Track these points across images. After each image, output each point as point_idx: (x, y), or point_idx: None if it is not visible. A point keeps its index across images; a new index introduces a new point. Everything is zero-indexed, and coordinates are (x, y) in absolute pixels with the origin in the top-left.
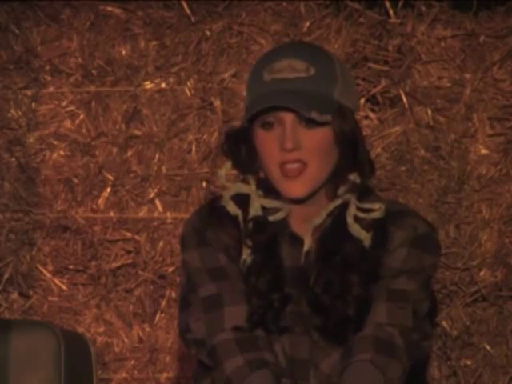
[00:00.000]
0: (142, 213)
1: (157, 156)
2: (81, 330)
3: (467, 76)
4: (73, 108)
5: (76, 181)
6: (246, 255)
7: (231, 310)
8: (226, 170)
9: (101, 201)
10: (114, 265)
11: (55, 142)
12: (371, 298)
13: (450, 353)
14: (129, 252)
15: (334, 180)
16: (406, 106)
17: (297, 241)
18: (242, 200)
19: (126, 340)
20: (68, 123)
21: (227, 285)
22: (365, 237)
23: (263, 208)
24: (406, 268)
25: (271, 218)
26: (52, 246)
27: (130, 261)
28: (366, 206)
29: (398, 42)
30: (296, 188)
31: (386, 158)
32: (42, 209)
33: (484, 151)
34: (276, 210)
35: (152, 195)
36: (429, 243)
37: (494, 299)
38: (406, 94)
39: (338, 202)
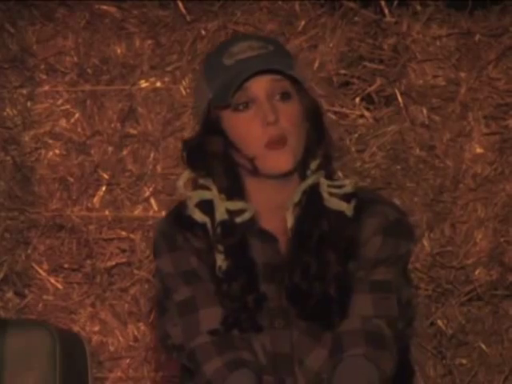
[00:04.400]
0: (137, 211)
1: (152, 155)
2: (76, 328)
3: (462, 75)
4: (68, 107)
5: (71, 180)
6: (221, 261)
7: (206, 312)
8: (183, 179)
9: (96, 199)
10: (109, 264)
11: (50, 141)
12: (349, 275)
13: (445, 352)
14: (124, 251)
15: (304, 158)
16: (402, 104)
17: (268, 237)
18: (207, 206)
19: (121, 339)
20: (63, 122)
21: (200, 287)
22: (346, 207)
23: (228, 211)
24: (382, 257)
25: (238, 220)
26: (47, 244)
27: (125, 259)
28: (337, 183)
29: (394, 40)
30: (280, 160)
31: (382, 156)
32: (37, 208)
33: (479, 150)
34: (242, 212)
35: (147, 194)
36: (402, 230)
37: (489, 298)
38: (402, 93)
39: (310, 180)
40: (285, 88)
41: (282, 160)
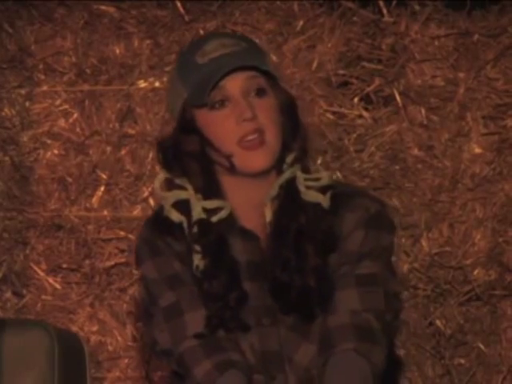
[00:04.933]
0: (136, 212)
1: (150, 155)
2: (74, 328)
3: (461, 75)
4: (66, 107)
5: (70, 180)
6: (198, 260)
7: (192, 316)
8: (159, 181)
9: (94, 200)
10: (108, 264)
11: (49, 141)
12: (329, 267)
13: (443, 352)
14: (122, 251)
15: (281, 152)
16: (400, 104)
17: (249, 235)
18: (184, 206)
19: (119, 339)
20: (62, 122)
21: (184, 291)
22: (322, 199)
23: (205, 210)
24: (366, 250)
25: (214, 219)
26: (46, 244)
27: (123, 260)
28: (313, 176)
29: (392, 40)
30: (258, 159)
31: (380, 156)
32: (35, 208)
33: (478, 150)
34: (219, 210)
35: (146, 194)
36: (383, 222)
37: (487, 298)
38: (400, 93)
39: (287, 174)
40: (260, 84)
41: (257, 159)
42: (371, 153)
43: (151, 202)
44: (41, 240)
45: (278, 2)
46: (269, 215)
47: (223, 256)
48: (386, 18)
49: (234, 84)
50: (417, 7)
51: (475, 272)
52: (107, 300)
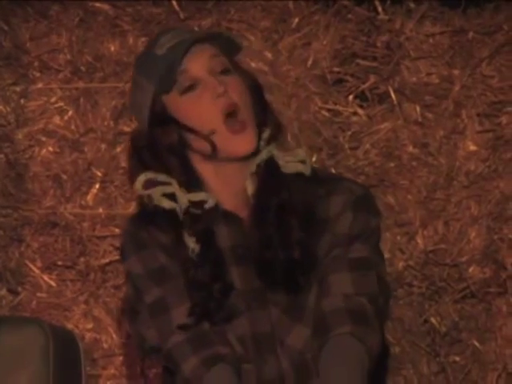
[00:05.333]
0: (131, 209)
1: None
2: (69, 326)
3: (456, 72)
4: (62, 104)
5: (65, 177)
6: (193, 244)
7: (177, 311)
8: (140, 182)
9: (89, 197)
10: (103, 261)
11: (44, 139)
12: (312, 242)
13: (438, 349)
14: (117, 248)
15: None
16: (395, 102)
17: (232, 218)
18: (171, 198)
19: (114, 336)
20: (57, 119)
21: (170, 286)
22: (303, 168)
23: (191, 203)
24: (355, 232)
25: (206, 207)
26: (41, 242)
27: (118, 257)
28: (289, 153)
29: (387, 38)
30: (244, 143)
31: (375, 154)
32: (30, 205)
33: (473, 147)
34: (204, 202)
35: None
36: (370, 204)
37: (482, 296)
38: (395, 91)
39: (265, 153)
40: (224, 63)
41: (247, 141)
42: (366, 150)
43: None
44: (36, 237)
45: (274, 0)
46: (250, 189)
47: (209, 246)
48: (381, 16)
49: (199, 64)
50: (412, 5)
51: (470, 269)
52: (102, 297)
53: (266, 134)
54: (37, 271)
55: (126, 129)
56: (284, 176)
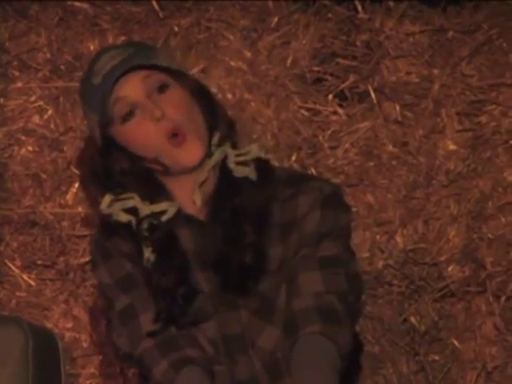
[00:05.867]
0: None
1: None
2: (49, 325)
3: (435, 71)
4: (41, 103)
5: (44, 176)
6: (148, 253)
7: (146, 317)
8: (106, 203)
9: (69, 196)
10: (83, 260)
11: (23, 138)
12: (265, 244)
13: (418, 348)
14: None
15: (209, 137)
16: (375, 101)
17: (193, 221)
18: (131, 210)
19: (94, 335)
20: (36, 118)
21: (137, 293)
22: (249, 171)
23: (152, 213)
24: (324, 230)
25: (164, 218)
26: (20, 241)
27: None
28: (243, 150)
29: (367, 37)
30: (189, 154)
31: (355, 153)
32: (10, 204)
33: (452, 147)
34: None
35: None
36: (339, 202)
37: (462, 295)
38: (375, 90)
39: (217, 156)
40: (159, 80)
41: (190, 153)
42: (346, 149)
43: None
44: (15, 236)
45: None
46: (198, 200)
47: (171, 252)
48: (361, 15)
49: (133, 88)
50: (391, 4)
51: (450, 268)
52: (82, 297)
53: (215, 138)
54: (16, 270)
55: None
56: (236, 180)
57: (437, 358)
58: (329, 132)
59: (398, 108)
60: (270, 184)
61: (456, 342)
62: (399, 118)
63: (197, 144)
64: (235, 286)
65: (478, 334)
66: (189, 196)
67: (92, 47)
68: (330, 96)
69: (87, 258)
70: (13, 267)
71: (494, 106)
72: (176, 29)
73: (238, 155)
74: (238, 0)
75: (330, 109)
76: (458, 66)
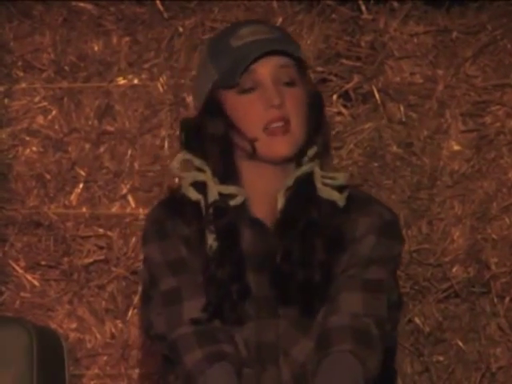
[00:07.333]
0: (115, 209)
1: (129, 152)
2: (53, 326)
3: (440, 72)
4: (45, 104)
5: (48, 177)
6: (212, 240)
7: (190, 304)
8: (177, 161)
9: (73, 197)
10: (87, 261)
11: (27, 138)
12: (334, 265)
13: (422, 349)
14: (101, 248)
15: (303, 145)
16: (379, 102)
17: (257, 225)
18: (200, 187)
19: (98, 336)
20: (40, 119)
21: (187, 278)
22: (338, 197)
23: (221, 195)
24: (375, 256)
25: (232, 202)
26: (24, 242)
27: (102, 257)
28: (330, 174)
29: (371, 38)
30: (281, 147)
31: (359, 154)
32: (14, 205)
33: (456, 147)
34: (233, 196)
35: (124, 191)
36: (395, 231)
37: (466, 295)
38: (379, 90)
39: (306, 168)
40: (290, 75)
41: (283, 146)
42: (350, 150)
43: (130, 199)
44: (19, 237)
45: (257, 0)
46: (281, 202)
47: (232, 245)
48: (365, 16)
49: (266, 70)
50: (396, 4)
51: (454, 269)
52: (86, 297)
53: (312, 151)
54: (20, 271)
55: (110, 128)
56: (318, 198)
57: (441, 358)
58: (333, 132)
59: (402, 109)
60: (347, 210)
61: (460, 343)
62: (403, 119)
63: (291, 143)
64: (300, 303)
65: (483, 334)
66: (260, 192)
67: (96, 48)
68: (335, 96)
69: (91, 259)
70: (17, 268)
71: (498, 107)
72: (180, 29)
73: (323, 177)
74: (243, 0)
75: (335, 109)
76: (462, 67)
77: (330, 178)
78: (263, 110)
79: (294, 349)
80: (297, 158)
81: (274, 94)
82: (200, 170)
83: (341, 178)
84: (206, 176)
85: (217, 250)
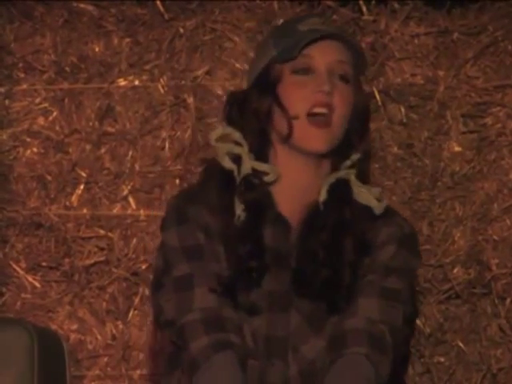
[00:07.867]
0: (116, 210)
1: (130, 153)
2: (54, 327)
3: (440, 73)
4: (46, 105)
5: (49, 178)
6: (240, 210)
7: (201, 292)
8: (217, 133)
9: (74, 198)
10: (88, 262)
11: (28, 139)
12: (360, 267)
13: (423, 350)
14: (102, 249)
15: (346, 149)
16: (380, 103)
17: (281, 222)
18: (235, 159)
19: (99, 337)
20: (41, 120)
21: (201, 266)
22: (376, 205)
23: (253, 171)
24: (393, 265)
25: (266, 178)
26: (25, 243)
27: (103, 258)
28: (365, 185)
29: (372, 39)
30: (318, 140)
31: None
32: (15, 206)
33: (457, 148)
34: (266, 174)
35: (125, 192)
36: (413, 245)
37: (467, 296)
38: (380, 91)
39: (342, 173)
40: (346, 71)
41: (320, 141)
42: None
43: (131, 200)
44: (20, 238)
45: (258, 1)
46: (323, 195)
47: (256, 220)
48: (366, 17)
49: (323, 59)
50: (396, 5)
51: (455, 270)
52: (87, 298)
53: (355, 156)
54: (21, 272)
55: (111, 129)
56: (353, 201)
57: (442, 359)
58: None
59: (402, 110)
60: (373, 217)
61: (461, 344)
62: (404, 120)
63: (330, 138)
64: (324, 300)
65: (483, 335)
66: (289, 184)
67: (97, 49)
68: None
69: (92, 260)
70: (18, 269)
71: (499, 108)
72: (181, 30)
73: (359, 186)
74: (244, 1)
75: None
76: (463, 68)
77: (366, 189)
78: (311, 93)
79: (304, 346)
80: (336, 160)
81: (325, 80)
82: (238, 143)
83: (376, 192)
84: (243, 150)
85: (244, 222)
